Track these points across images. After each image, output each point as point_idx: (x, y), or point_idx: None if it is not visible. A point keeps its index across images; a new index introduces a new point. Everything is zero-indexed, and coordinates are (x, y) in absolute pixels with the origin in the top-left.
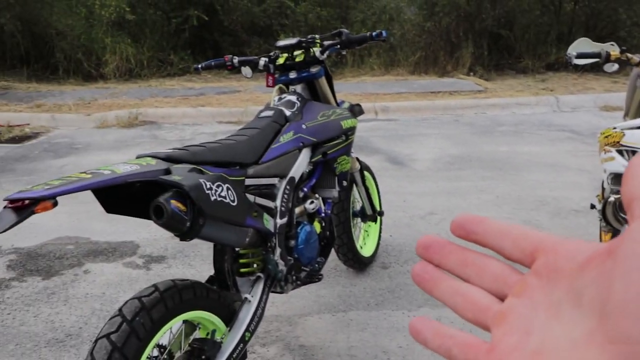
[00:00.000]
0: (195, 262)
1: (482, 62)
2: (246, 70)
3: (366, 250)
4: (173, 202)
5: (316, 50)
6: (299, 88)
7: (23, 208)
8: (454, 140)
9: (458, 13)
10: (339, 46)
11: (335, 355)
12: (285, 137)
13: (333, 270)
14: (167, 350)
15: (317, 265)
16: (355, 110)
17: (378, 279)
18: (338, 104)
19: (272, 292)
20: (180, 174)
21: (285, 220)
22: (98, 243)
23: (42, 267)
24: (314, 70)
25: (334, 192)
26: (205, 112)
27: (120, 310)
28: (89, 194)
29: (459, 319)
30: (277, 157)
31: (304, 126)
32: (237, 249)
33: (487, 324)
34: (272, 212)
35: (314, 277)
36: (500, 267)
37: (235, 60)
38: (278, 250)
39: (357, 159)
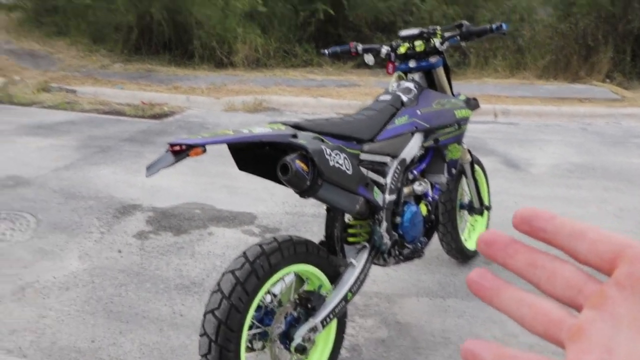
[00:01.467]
0: (306, 236)
1: (622, 68)
2: (369, 58)
3: (470, 244)
4: (298, 162)
5: (436, 41)
6: (417, 76)
7: (180, 152)
8: (578, 149)
9: (598, 14)
10: (458, 37)
11: (429, 334)
12: (400, 120)
13: (435, 259)
14: (277, 298)
15: (419, 244)
16: (471, 104)
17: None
18: (454, 95)
19: (375, 263)
20: (305, 139)
21: (393, 197)
22: (221, 211)
23: (174, 225)
24: (432, 60)
25: (442, 178)
26: (324, 102)
27: (244, 253)
28: (215, 167)
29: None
30: (390, 137)
31: (418, 112)
32: (347, 220)
33: (561, 339)
34: (382, 188)
35: (415, 254)
36: (574, 272)
37: (360, 47)
38: (384, 224)
39: (469, 151)
